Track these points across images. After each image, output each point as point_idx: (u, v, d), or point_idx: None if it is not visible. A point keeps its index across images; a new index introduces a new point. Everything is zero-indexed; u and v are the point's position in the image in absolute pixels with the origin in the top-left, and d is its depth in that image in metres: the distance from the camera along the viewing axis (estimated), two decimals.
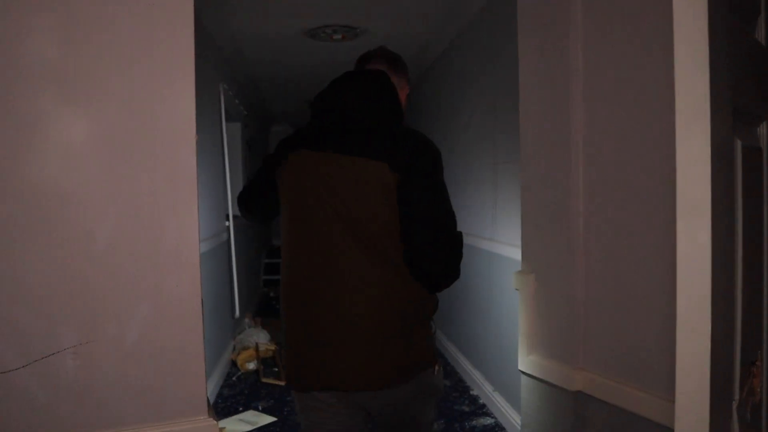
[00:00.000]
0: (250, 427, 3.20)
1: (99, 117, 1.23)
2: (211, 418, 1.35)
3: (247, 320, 5.14)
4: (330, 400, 1.65)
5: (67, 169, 1.20)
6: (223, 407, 3.55)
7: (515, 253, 3.11)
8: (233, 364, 4.34)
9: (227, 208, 4.55)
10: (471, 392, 3.78)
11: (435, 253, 1.62)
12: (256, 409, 3.51)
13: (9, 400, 1.17)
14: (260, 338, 4.64)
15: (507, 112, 3.21)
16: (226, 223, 4.52)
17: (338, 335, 1.59)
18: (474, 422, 3.32)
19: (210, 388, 3.58)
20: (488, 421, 3.33)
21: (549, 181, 1.91)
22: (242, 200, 1.96)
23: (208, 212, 3.83)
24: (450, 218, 1.69)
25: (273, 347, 4.59)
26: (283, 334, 1.70)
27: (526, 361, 2.05)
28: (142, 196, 1.28)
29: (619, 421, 1.72)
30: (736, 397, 1.12)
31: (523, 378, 2.09)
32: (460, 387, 3.88)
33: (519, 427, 3.03)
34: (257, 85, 6.20)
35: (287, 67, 5.41)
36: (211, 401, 3.62)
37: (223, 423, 3.27)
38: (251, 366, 4.23)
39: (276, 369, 4.25)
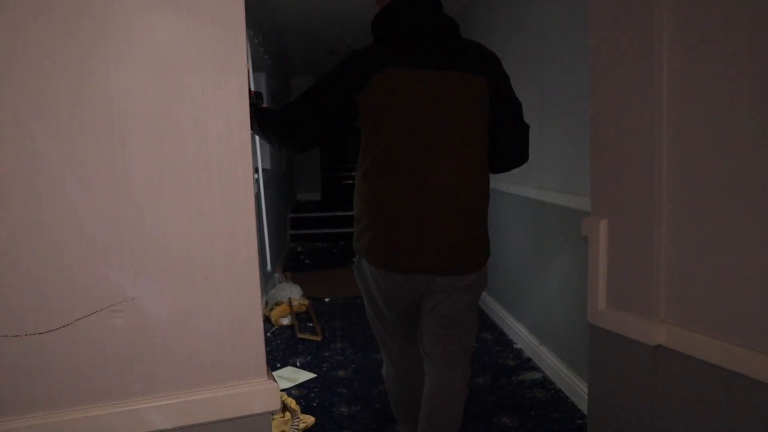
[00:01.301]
0: (290, 384, 3.10)
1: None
2: (271, 380, 1.21)
3: (277, 275, 5.04)
4: (414, 281, 1.88)
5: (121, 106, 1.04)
6: None
7: (563, 200, 2.93)
8: (267, 319, 4.24)
9: (256, 161, 4.39)
10: (514, 346, 3.65)
11: (520, 143, 2.02)
12: (293, 365, 3.41)
13: (49, 366, 1.03)
14: (293, 293, 4.53)
15: (555, 51, 2.99)
16: (255, 176, 4.37)
17: (449, 228, 1.83)
18: (521, 377, 3.20)
19: None
20: (536, 375, 3.20)
21: (627, 113, 1.71)
22: (290, 126, 1.84)
23: None
24: (521, 110, 2.03)
25: (306, 302, 4.49)
26: (379, 225, 1.82)
27: (596, 313, 1.88)
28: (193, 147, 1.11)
29: (707, 377, 1.57)
30: None
31: (593, 331, 1.93)
32: (502, 341, 3.75)
33: (569, 380, 2.92)
34: (280, 33, 5.96)
35: (311, 14, 5.16)
36: None
37: None
38: (285, 321, 4.14)
39: (311, 324, 4.15)
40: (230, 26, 1.16)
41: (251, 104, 1.91)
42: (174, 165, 1.11)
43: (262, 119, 1.89)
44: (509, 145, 1.98)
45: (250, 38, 4.18)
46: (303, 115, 1.82)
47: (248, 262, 1.24)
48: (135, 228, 1.09)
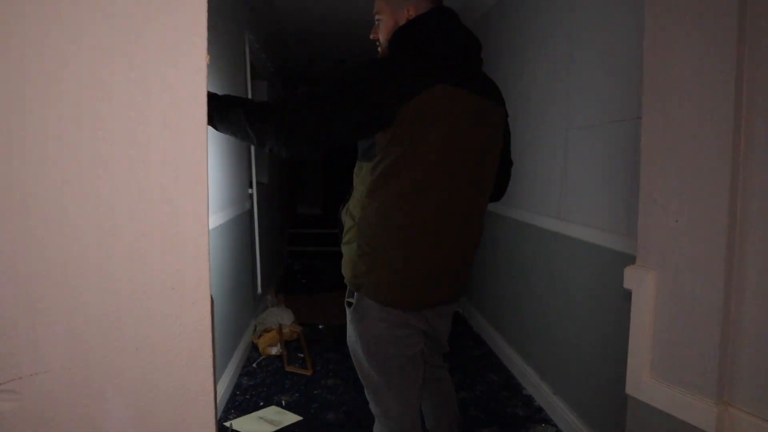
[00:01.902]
0: (273, 429, 2.76)
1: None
2: None
3: (269, 297, 4.70)
4: (439, 312, 1.81)
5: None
6: (241, 401, 3.11)
7: (588, 235, 2.60)
8: (254, 347, 3.90)
9: (251, 174, 4.07)
10: (524, 392, 3.30)
11: (508, 179, 2.03)
12: (279, 404, 3.06)
13: None
14: (284, 319, 4.19)
15: (584, 66, 2.66)
16: (249, 191, 4.05)
17: (463, 258, 1.77)
18: (532, 431, 2.84)
19: (227, 378, 3.14)
20: (549, 430, 2.85)
21: (695, 141, 1.38)
22: (309, 127, 1.52)
23: (233, 177, 3.35)
24: None
25: (298, 329, 4.15)
26: (407, 259, 1.65)
27: (638, 385, 1.54)
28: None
29: None
30: None
31: (633, 405, 1.59)
32: (510, 385, 3.40)
33: None
34: (286, 41, 5.66)
35: (319, 20, 4.86)
36: (229, 392, 3.20)
37: (241, 422, 2.83)
38: (274, 351, 3.79)
39: (301, 355, 3.80)
40: None
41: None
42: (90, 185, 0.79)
43: (248, 112, 1.53)
44: (503, 181, 1.99)
45: (250, 42, 3.88)
46: (329, 118, 1.53)
47: (197, 327, 0.91)
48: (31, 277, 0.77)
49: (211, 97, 1.50)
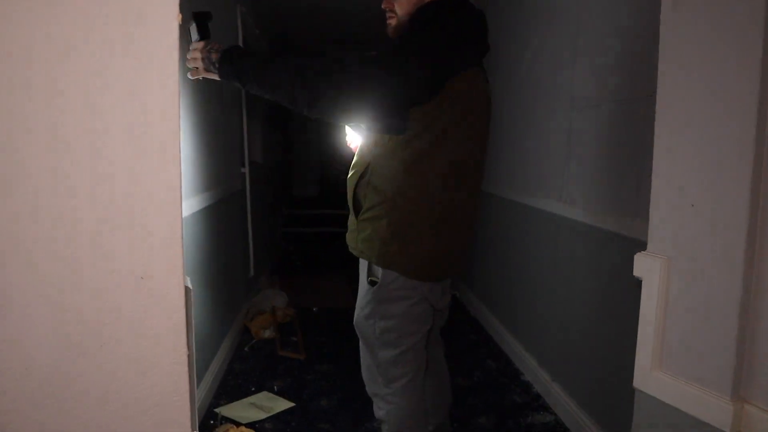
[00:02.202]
0: (265, 415, 2.68)
1: None
2: None
3: (263, 279, 4.61)
4: (441, 289, 1.84)
5: None
6: (233, 386, 3.03)
7: (591, 219, 2.50)
8: (246, 330, 3.82)
9: (243, 153, 3.96)
10: (522, 378, 3.22)
11: None
12: (271, 389, 2.99)
13: None
14: (277, 301, 4.11)
15: (591, 41, 2.55)
16: (242, 170, 3.94)
17: (472, 236, 1.87)
18: (530, 418, 2.77)
19: (218, 363, 3.05)
20: (548, 417, 2.78)
21: (711, 126, 1.28)
22: (379, 93, 1.46)
23: (223, 156, 3.24)
24: None
25: (291, 312, 4.07)
26: (440, 237, 1.71)
27: (648, 378, 1.46)
28: None
29: None
30: None
31: (641, 398, 1.50)
32: (509, 371, 3.33)
33: (586, 428, 2.49)
34: (281, 15, 5.50)
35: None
36: (219, 378, 3.11)
37: (231, 408, 2.75)
38: (267, 334, 3.71)
39: (295, 339, 3.72)
40: None
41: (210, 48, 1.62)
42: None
43: (301, 73, 1.47)
44: None
45: (242, 15, 3.74)
46: (389, 86, 1.46)
47: (170, 321, 0.81)
48: None
49: (243, 53, 1.55)
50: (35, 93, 0.71)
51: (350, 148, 2.02)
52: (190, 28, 1.63)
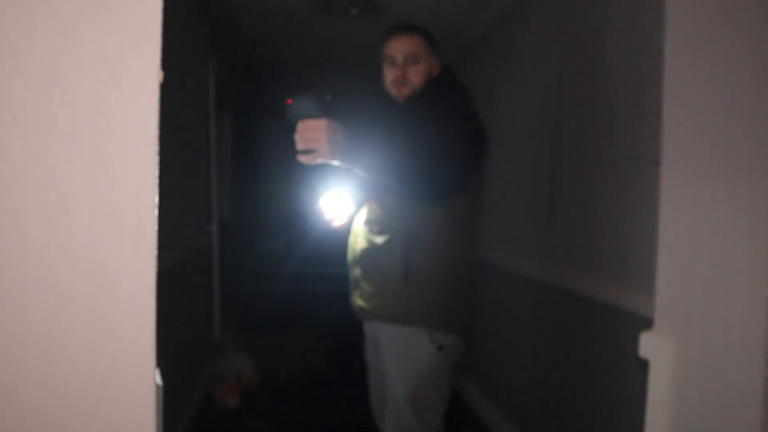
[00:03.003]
0: None
1: None
2: None
3: (226, 340, 4.39)
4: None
5: None
6: None
7: (585, 288, 2.40)
8: (208, 398, 3.58)
9: (210, 208, 3.81)
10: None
11: None
12: None
13: None
14: (243, 365, 3.89)
15: (573, 103, 2.52)
16: (209, 227, 3.78)
17: None
18: None
19: None
20: None
21: (723, 185, 1.19)
22: (460, 169, 1.65)
23: (190, 212, 3.09)
24: None
25: (258, 377, 3.85)
26: (470, 288, 1.84)
27: None
28: None
29: None
30: None
31: None
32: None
33: None
34: (253, 68, 5.45)
35: (291, 47, 4.67)
36: None
37: None
38: (232, 402, 3.48)
39: (262, 408, 3.50)
40: None
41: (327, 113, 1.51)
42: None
43: (398, 169, 1.57)
44: None
45: (215, 69, 3.66)
46: (471, 160, 1.72)
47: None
48: None
49: (356, 135, 1.53)
50: None
51: (323, 216, 1.88)
52: (295, 102, 1.50)
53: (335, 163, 1.48)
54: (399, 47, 1.83)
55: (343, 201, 1.84)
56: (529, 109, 2.97)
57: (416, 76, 1.83)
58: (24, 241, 0.60)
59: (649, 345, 1.35)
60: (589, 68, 2.41)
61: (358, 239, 1.85)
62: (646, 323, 1.36)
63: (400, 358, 1.77)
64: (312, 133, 1.44)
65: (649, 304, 1.34)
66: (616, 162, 2.17)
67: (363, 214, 1.87)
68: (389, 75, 1.85)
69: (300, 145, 1.46)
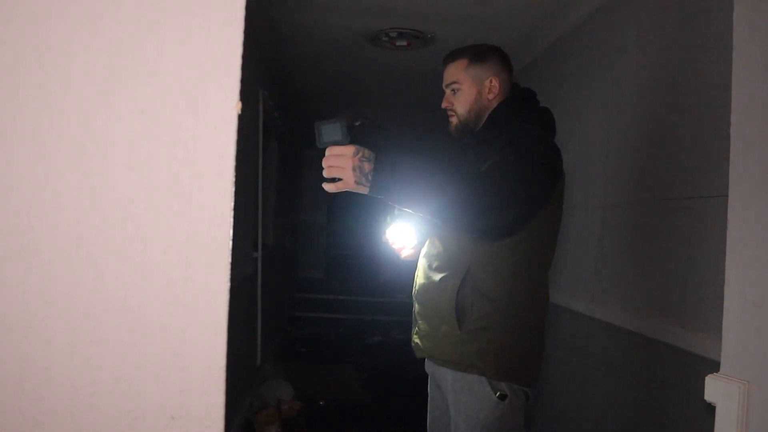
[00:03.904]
0: None
1: None
2: None
3: (267, 367, 4.39)
4: None
5: None
6: None
7: (628, 322, 2.33)
8: (249, 424, 3.57)
9: (257, 235, 3.84)
10: None
11: None
12: None
13: None
14: (282, 393, 3.87)
15: (622, 141, 2.47)
16: (254, 254, 3.81)
17: None
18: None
19: None
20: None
21: None
22: (529, 205, 1.51)
23: (239, 240, 3.11)
24: None
25: (298, 405, 3.83)
26: (537, 336, 1.69)
27: None
28: None
29: None
30: None
31: None
32: None
33: None
34: (298, 96, 5.53)
35: (337, 77, 4.73)
36: None
37: None
38: (272, 430, 3.46)
39: None
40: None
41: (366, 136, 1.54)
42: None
43: (448, 200, 1.38)
44: None
45: (264, 99, 3.72)
46: (541, 196, 1.56)
47: None
48: None
49: (393, 162, 1.35)
50: (83, 191, 0.59)
51: (390, 246, 1.84)
52: (323, 128, 1.39)
53: (363, 192, 1.36)
54: (444, 78, 1.76)
55: (408, 233, 1.77)
56: (582, 146, 2.93)
57: (460, 105, 1.72)
58: (100, 272, 0.60)
59: (715, 388, 1.30)
60: (652, 100, 2.37)
61: (420, 273, 1.75)
62: (714, 366, 1.30)
63: (461, 405, 1.63)
64: (337, 161, 1.34)
65: (716, 347, 1.28)
66: (681, 196, 2.11)
67: (425, 248, 1.76)
68: None
69: (325, 172, 1.36)
